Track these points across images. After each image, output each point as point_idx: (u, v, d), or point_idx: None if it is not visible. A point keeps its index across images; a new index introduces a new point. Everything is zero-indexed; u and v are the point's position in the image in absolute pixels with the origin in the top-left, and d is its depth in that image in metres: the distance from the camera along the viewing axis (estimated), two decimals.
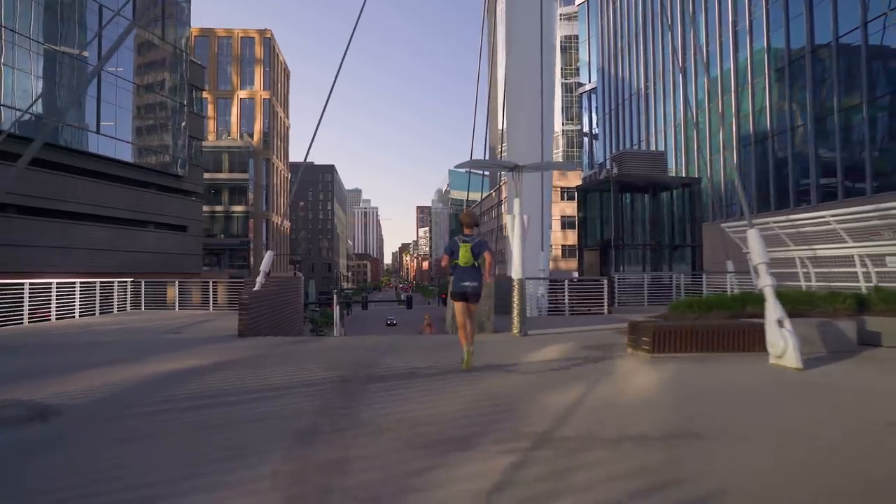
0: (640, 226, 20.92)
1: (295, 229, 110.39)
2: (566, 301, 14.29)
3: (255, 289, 11.67)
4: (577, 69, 69.03)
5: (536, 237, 16.14)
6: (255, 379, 5.66)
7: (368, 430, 3.70)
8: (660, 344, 7.08)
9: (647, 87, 42.87)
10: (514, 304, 9.46)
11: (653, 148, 39.19)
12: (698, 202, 20.42)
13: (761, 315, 7.21)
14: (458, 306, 6.17)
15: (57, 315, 12.92)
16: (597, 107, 56.94)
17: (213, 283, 16.63)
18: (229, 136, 59.85)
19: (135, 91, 32.39)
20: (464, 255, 5.87)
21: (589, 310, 14.76)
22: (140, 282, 16.56)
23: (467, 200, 35.80)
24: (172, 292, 16.85)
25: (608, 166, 21.40)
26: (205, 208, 55.30)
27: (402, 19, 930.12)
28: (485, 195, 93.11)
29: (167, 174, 35.19)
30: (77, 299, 13.56)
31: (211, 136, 58.90)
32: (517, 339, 9.17)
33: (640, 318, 8.53)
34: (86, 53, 29.12)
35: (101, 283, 14.72)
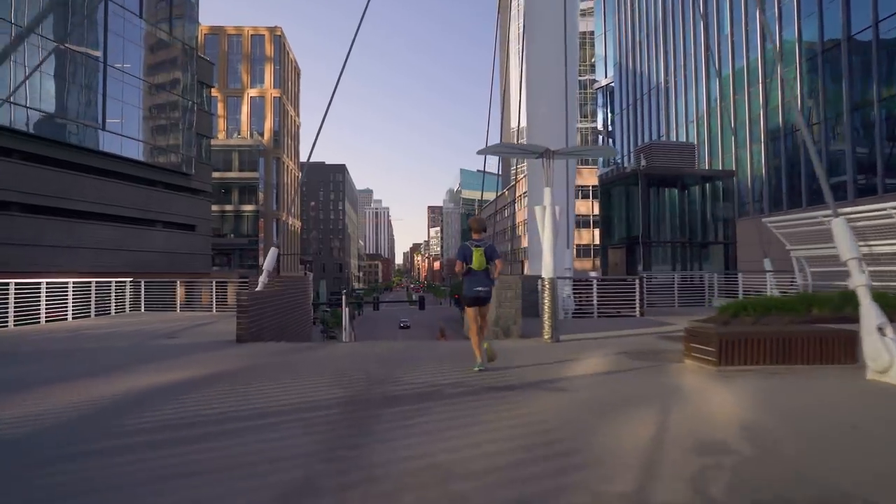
0: (668, 222, 19.65)
1: (306, 229, 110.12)
2: (594, 302, 13.15)
3: (257, 289, 10.71)
4: (593, 65, 67.57)
5: (561, 234, 14.99)
6: (245, 400, 4.65)
7: (384, 485, 2.66)
8: (727, 354, 5.96)
9: (667, 81, 41.42)
10: (545, 307, 8.39)
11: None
12: (731, 197, 19.12)
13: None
14: (471, 312, 6.15)
15: (49, 317, 12.07)
16: (613, 103, 55.53)
17: (217, 283, 15.72)
18: (239, 134, 59.33)
19: (142, 87, 31.74)
20: (478, 259, 5.92)
21: (618, 312, 13.61)
22: (140, 282, 15.70)
23: (481, 200, 34.76)
24: (182, 293, 16.02)
25: (633, 159, 20.10)
26: (214, 207, 54.85)
27: (414, 18, 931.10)
28: (494, 196, 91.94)
29: (175, 172, 34.53)
30: (70, 300, 12.71)
31: (221, 135, 58.44)
32: (549, 345, 8.09)
33: (695, 323, 7.41)
34: (97, 53, 28.50)
35: (97, 282, 13.87)
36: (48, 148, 25.82)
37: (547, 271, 8.45)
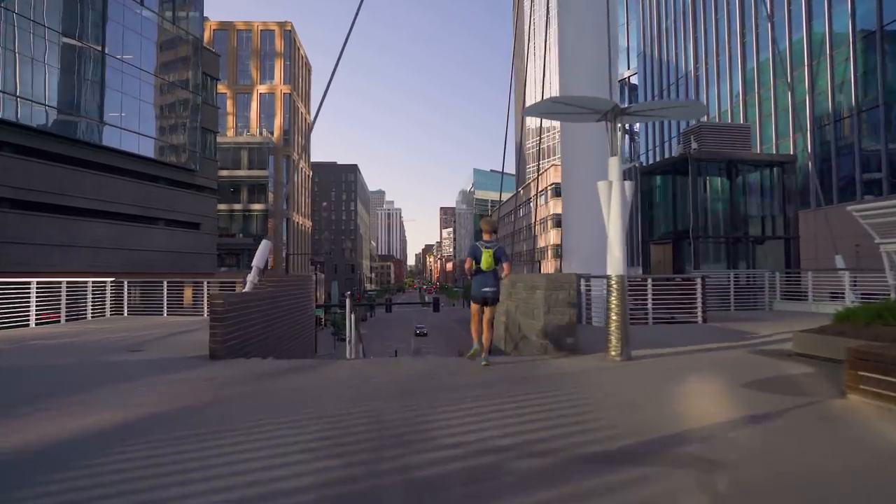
0: (719, 214, 17.33)
1: (318, 230, 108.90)
2: (649, 306, 11.01)
3: (244, 290, 8.79)
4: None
5: (597, 223, 12.87)
6: (163, 485, 2.66)
7: None
8: None
9: (696, 69, 38.90)
10: (612, 314, 6.33)
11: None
12: (792, 185, 16.73)
13: None
14: (476, 307, 6.34)
15: (5, 323, 10.25)
16: (636, 97, 53.11)
17: (209, 283, 13.85)
18: (249, 132, 57.89)
19: (144, 79, 30.17)
20: (486, 260, 6.08)
21: (672, 317, 11.46)
22: (122, 282, 13.89)
23: (500, 200, 32.73)
24: (189, 294, 14.22)
25: (682, 143, 17.90)
26: (223, 207, 53.47)
27: (427, 17, 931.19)
28: (508, 196, 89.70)
29: (179, 168, 32.93)
30: (33, 303, 10.89)
31: (230, 133, 57.06)
32: (621, 366, 6.03)
33: (860, 343, 5.29)
34: (97, 47, 26.96)
35: (67, 282, 12.05)
36: (42, 141, 24.30)
37: (615, 266, 6.39)
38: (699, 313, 11.11)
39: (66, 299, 11.99)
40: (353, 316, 8.80)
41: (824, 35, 26.99)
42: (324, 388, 5.04)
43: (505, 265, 6.22)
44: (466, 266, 6.18)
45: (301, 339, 11.05)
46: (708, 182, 17.23)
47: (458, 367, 6.09)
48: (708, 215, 16.95)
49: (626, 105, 6.43)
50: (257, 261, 8.87)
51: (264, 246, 9.08)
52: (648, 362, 6.27)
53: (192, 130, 33.95)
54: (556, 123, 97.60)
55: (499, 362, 6.69)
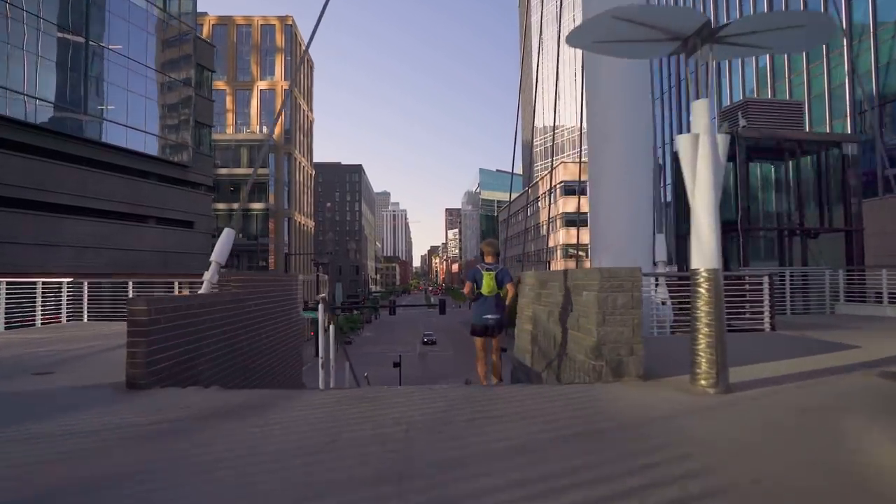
0: (769, 203, 15.16)
1: (322, 230, 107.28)
2: None
3: (200, 291, 6.89)
4: None
5: (641, 212, 10.87)
6: None
7: None
8: None
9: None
10: (701, 325, 4.36)
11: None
12: (854, 170, 14.53)
13: None
14: (479, 342, 5.86)
15: None
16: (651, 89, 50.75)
17: (179, 283, 11.99)
18: (248, 129, 56.21)
19: (133, 69, 28.43)
20: (487, 284, 5.67)
21: (730, 325, 9.41)
22: (82, 283, 12.04)
23: (509, 199, 30.84)
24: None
25: (723, 122, 15.70)
26: (222, 206, 51.77)
27: (432, 16, 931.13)
28: (514, 197, 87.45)
29: (170, 163, 31.19)
30: None
31: (229, 130, 55.44)
32: (724, 403, 4.04)
33: None
34: (80, 39, 25.26)
35: (8, 283, 10.20)
36: (20, 132, 22.59)
37: (706, 257, 4.42)
38: (767, 319, 9.08)
39: (6, 303, 10.13)
40: (331, 328, 6.14)
41: None
42: (271, 455, 3.06)
43: (509, 286, 5.76)
44: (466, 291, 5.80)
45: (281, 353, 9.10)
46: (759, 167, 15.05)
47: (477, 407, 4.11)
48: (760, 204, 14.81)
49: (719, 26, 4.43)
50: (216, 255, 6.96)
51: (226, 236, 7.16)
52: (758, 397, 4.28)
53: (185, 123, 32.21)
54: (564, 121, 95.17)
55: (535, 394, 4.73)
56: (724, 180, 4.77)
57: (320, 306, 4.38)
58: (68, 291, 11.72)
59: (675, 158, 5.10)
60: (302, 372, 10.49)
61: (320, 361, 7.41)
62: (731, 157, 14.65)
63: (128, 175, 28.24)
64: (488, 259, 5.88)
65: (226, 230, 7.20)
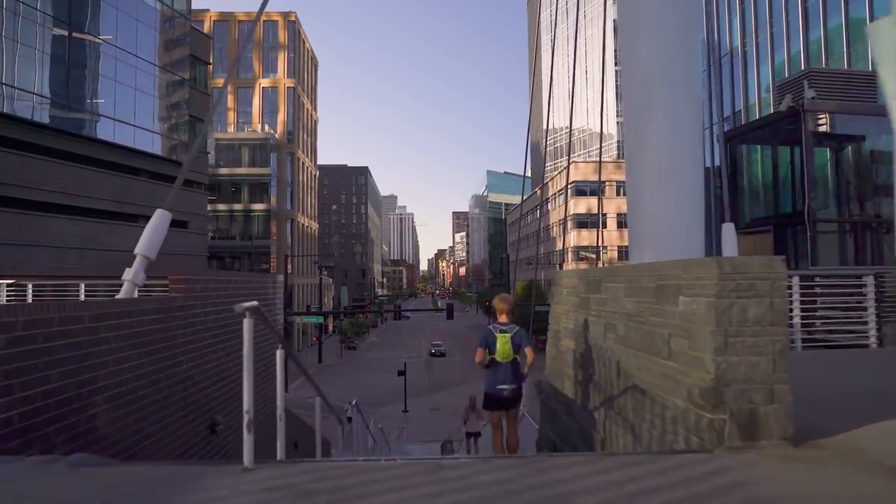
0: (844, 192, 12.81)
1: (327, 233, 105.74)
2: (796, 321, 6.94)
3: (118, 296, 4.98)
4: None
5: (692, 198, 8.83)
6: None
7: None
8: None
9: (744, 45, 34.38)
10: None
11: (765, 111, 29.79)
12: None
13: None
14: (495, 417, 5.07)
15: None
16: None
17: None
18: (250, 128, 54.62)
19: (121, 58, 26.74)
20: (502, 348, 4.83)
21: (826, 339, 7.38)
22: (26, 285, 10.19)
23: (521, 201, 28.87)
24: None
25: (782, 97, 13.56)
26: (222, 206, 50.18)
27: (439, 17, 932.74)
28: (524, 199, 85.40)
29: (162, 159, 29.44)
30: None
31: (230, 129, 53.89)
32: None
33: None
34: (63, 31, 23.61)
35: None
36: None
37: None
38: (873, 331, 7.03)
39: None
40: (278, 354, 3.99)
41: None
42: None
43: (527, 350, 4.94)
44: (477, 359, 5.03)
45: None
46: (828, 149, 12.81)
47: None
48: (829, 193, 12.62)
49: None
50: (143, 246, 5.03)
51: (158, 218, 5.21)
52: None
53: (178, 117, 30.51)
54: (574, 122, 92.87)
55: (617, 481, 2.72)
56: (782, 164, 2.84)
57: (246, 322, 2.33)
58: (7, 295, 9.85)
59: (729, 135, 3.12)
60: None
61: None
62: (786, 141, 12.50)
63: (116, 171, 26.52)
64: (501, 318, 5.05)
65: (157, 212, 5.27)
